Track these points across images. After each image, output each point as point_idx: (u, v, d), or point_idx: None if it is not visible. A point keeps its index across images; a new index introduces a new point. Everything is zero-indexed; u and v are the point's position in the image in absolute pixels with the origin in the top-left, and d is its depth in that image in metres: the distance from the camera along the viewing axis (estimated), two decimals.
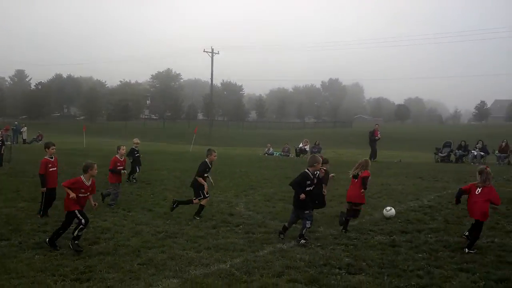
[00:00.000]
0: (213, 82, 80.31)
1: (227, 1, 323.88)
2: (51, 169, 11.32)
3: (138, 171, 17.66)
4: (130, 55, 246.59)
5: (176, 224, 10.74)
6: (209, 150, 12.05)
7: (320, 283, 7.01)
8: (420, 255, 8.57)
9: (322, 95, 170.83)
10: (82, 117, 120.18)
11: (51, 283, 6.81)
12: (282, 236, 9.67)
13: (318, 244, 9.24)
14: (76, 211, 8.64)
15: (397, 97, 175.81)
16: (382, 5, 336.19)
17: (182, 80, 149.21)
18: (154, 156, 28.35)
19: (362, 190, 10.50)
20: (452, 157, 30.27)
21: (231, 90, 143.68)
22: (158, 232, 9.94)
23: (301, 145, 34.81)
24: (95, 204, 9.13)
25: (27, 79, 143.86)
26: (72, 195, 8.64)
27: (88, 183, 8.92)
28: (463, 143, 30.47)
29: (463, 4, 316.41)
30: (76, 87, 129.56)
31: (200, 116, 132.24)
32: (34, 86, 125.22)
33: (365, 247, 9.06)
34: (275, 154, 35.36)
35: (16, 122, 50.30)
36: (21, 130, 46.09)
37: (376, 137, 29.67)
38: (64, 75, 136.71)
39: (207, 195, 11.67)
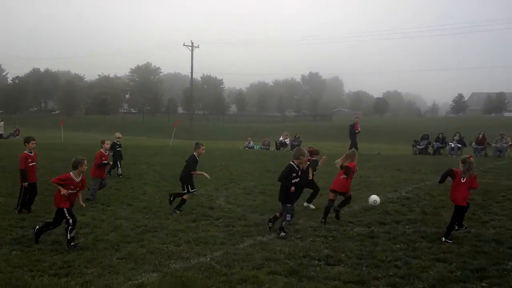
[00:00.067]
0: (193, 76, 79.89)
1: None
2: (30, 164, 11.20)
3: (119, 165, 17.53)
4: (109, 49, 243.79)
5: (155, 218, 10.71)
6: (197, 143, 12.04)
7: (300, 274, 7.06)
8: (398, 246, 8.69)
9: (302, 88, 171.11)
10: (57, 111, 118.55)
11: (28, 279, 6.74)
12: (270, 224, 9.73)
13: (298, 236, 9.30)
14: (65, 210, 8.47)
15: (376, 91, 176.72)
16: (359, 1, 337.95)
17: (161, 74, 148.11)
18: (133, 150, 28.14)
19: (343, 176, 10.69)
20: (430, 149, 30.66)
21: (211, 84, 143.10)
22: (138, 227, 9.90)
23: (281, 138, 34.91)
24: (82, 205, 9.03)
25: (3, 74, 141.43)
26: (64, 191, 8.51)
27: (77, 180, 8.76)
28: (440, 136, 30.88)
29: None
30: (54, 81, 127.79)
31: (180, 110, 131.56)
32: (11, 80, 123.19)
33: (344, 239, 9.14)
34: (255, 148, 35.41)
35: None
36: None
37: (356, 131, 29.97)
38: (42, 69, 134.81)
39: (192, 190, 11.65)
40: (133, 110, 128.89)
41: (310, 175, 11.93)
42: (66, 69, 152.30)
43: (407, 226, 10.18)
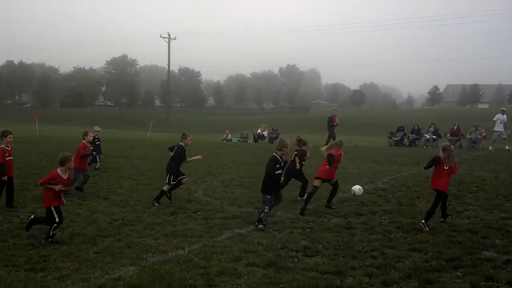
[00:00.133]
0: (170, 68, 79.35)
1: None
2: (8, 158, 11.05)
3: (99, 159, 17.35)
4: (84, 41, 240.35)
5: (133, 212, 10.65)
6: (183, 134, 11.98)
7: (278, 266, 7.12)
8: (374, 236, 8.80)
9: (280, 81, 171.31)
10: (29, 104, 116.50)
11: (4, 274, 6.66)
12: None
13: (276, 228, 9.36)
14: (53, 208, 8.34)
15: (352, 83, 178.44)
16: None
17: (138, 66, 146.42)
18: (110, 143, 27.85)
19: (327, 166, 10.95)
20: (406, 141, 31.00)
21: (189, 76, 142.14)
22: (115, 220, 9.84)
23: (259, 131, 34.95)
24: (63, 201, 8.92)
25: None
26: (58, 187, 8.37)
27: (65, 177, 8.59)
28: (416, 127, 31.23)
29: None
30: (28, 73, 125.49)
31: (157, 102, 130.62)
32: None
33: (321, 230, 9.23)
34: (233, 140, 35.38)
35: None
36: None
37: (335, 123, 30.19)
38: (16, 62, 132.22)
39: (172, 182, 11.62)
40: (109, 103, 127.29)
41: (298, 164, 12.00)
42: (40, 61, 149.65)
43: (383, 217, 10.32)
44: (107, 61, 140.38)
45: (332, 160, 10.95)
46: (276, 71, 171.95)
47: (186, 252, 7.78)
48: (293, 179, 12.53)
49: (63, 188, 8.47)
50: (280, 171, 9.73)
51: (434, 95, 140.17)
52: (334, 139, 28.69)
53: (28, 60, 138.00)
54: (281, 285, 6.37)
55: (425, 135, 30.11)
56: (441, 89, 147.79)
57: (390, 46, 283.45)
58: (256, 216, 9.72)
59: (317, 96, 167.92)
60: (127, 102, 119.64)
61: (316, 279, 6.60)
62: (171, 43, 72.55)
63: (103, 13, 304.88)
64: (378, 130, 46.56)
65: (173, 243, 8.28)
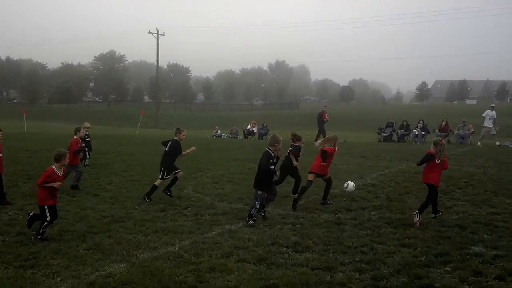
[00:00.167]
0: (159, 64, 78.91)
1: None
2: None
3: (88, 156, 17.25)
4: (72, 36, 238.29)
5: (122, 208, 10.61)
6: (178, 129, 11.97)
7: (268, 261, 7.13)
8: (364, 232, 8.85)
9: (269, 76, 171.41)
10: (15, 100, 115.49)
11: None
12: (262, 214, 9.82)
13: (266, 224, 9.37)
14: (46, 207, 8.25)
15: (342, 79, 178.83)
16: None
17: (126, 62, 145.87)
18: (99, 139, 27.70)
19: (322, 163, 11.02)
20: (394, 137, 31.17)
21: (178, 72, 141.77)
22: (104, 217, 9.80)
23: (249, 127, 34.94)
24: None
25: None
26: (57, 184, 8.32)
27: (60, 173, 8.51)
28: (404, 123, 31.40)
29: None
30: (16, 69, 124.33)
31: (146, 98, 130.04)
32: None
33: (311, 226, 9.26)
34: (223, 136, 35.34)
35: None
36: None
37: (325, 119, 30.36)
38: (3, 57, 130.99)
39: (166, 177, 11.65)
40: (97, 99, 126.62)
41: (294, 161, 12.00)
42: (28, 57, 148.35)
43: (372, 213, 10.38)
44: (95, 57, 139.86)
45: (326, 156, 11.02)
46: (265, 67, 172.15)
47: (177, 248, 7.77)
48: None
49: (61, 185, 8.41)
50: (273, 167, 9.75)
51: (423, 91, 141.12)
52: (324, 135, 28.79)
53: (15, 56, 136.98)
54: (271, 281, 6.39)
55: (413, 131, 30.28)
56: (430, 85, 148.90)
57: (379, 42, 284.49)
58: (247, 212, 9.73)
59: (307, 92, 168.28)
60: (115, 98, 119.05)
61: (307, 274, 6.62)
62: (159, 39, 72.15)
63: (91, 8, 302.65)
64: (367, 126, 46.77)
65: (163, 239, 8.27)
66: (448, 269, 6.87)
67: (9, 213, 10.04)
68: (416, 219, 9.30)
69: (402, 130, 30.98)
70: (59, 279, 6.42)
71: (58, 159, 8.49)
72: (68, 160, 8.76)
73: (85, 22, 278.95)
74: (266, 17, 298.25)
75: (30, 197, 11.43)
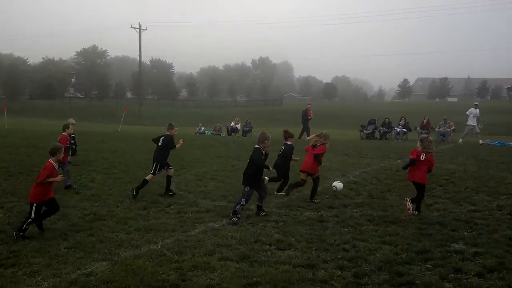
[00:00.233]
0: (142, 60, 78.41)
1: None
2: None
3: (71, 154, 17.03)
4: (53, 31, 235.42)
5: (104, 206, 10.54)
6: (170, 124, 12.24)
7: (251, 259, 7.15)
8: (346, 229, 8.91)
9: (253, 73, 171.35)
10: None
11: None
12: (263, 213, 9.83)
13: (249, 221, 9.39)
14: (35, 205, 8.18)
15: (324, 76, 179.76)
16: None
17: (109, 57, 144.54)
18: (81, 136, 27.43)
19: (320, 164, 11.41)
20: (377, 134, 31.41)
21: (161, 68, 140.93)
22: (86, 215, 9.73)
23: (232, 123, 34.91)
24: None
25: None
26: (59, 177, 8.31)
27: (57, 167, 8.49)
28: (386, 120, 31.65)
29: None
30: None
31: (129, 94, 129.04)
32: None
33: (294, 223, 9.30)
34: (206, 133, 35.26)
35: None
36: None
37: (309, 117, 30.50)
38: None
39: (158, 172, 11.75)
40: (79, 95, 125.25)
41: (295, 158, 12.18)
42: (8, 51, 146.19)
43: (354, 210, 10.45)
44: (77, 52, 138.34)
45: (319, 158, 11.31)
46: (249, 63, 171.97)
47: (159, 246, 7.75)
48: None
49: (63, 178, 8.35)
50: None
51: (404, 89, 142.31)
52: (308, 132, 28.89)
53: None
54: (254, 279, 6.41)
55: (395, 128, 30.54)
56: (411, 83, 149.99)
57: (362, 39, 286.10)
58: (232, 208, 9.74)
59: (290, 89, 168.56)
60: (98, 94, 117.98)
61: (289, 272, 6.65)
62: (142, 34, 71.68)
63: (72, 2, 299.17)
64: (350, 123, 47.03)
65: (146, 237, 8.24)
66: (428, 266, 6.95)
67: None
68: (409, 205, 9.70)
69: (384, 128, 31.23)
70: (40, 278, 6.38)
71: (54, 152, 8.44)
72: (62, 154, 8.71)
73: (66, 16, 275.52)
74: (250, 13, 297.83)
75: (11, 195, 11.32)
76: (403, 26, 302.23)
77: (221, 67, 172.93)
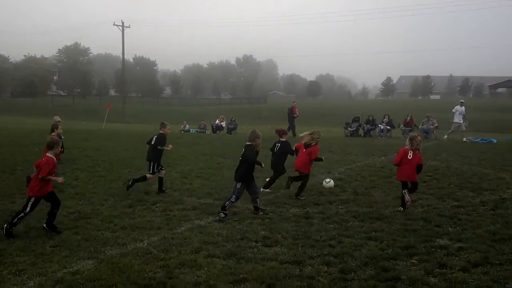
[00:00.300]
0: (125, 57, 77.82)
1: None
2: None
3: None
4: (35, 28, 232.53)
5: (89, 205, 10.46)
6: (162, 123, 12.30)
7: (238, 256, 7.15)
8: (331, 225, 8.96)
9: (237, 71, 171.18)
10: None
11: None
12: (261, 212, 9.78)
13: (236, 219, 9.39)
14: (32, 199, 8.12)
15: (309, 74, 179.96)
16: None
17: (91, 55, 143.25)
18: (64, 134, 27.18)
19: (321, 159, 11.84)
20: (361, 131, 31.61)
21: (144, 65, 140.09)
22: (71, 213, 9.64)
23: (217, 121, 34.88)
24: None
25: None
26: (60, 179, 8.28)
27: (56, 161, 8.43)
28: (370, 118, 31.86)
29: None
30: None
31: (112, 92, 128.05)
32: None
33: (280, 220, 9.32)
34: (191, 131, 35.17)
35: None
36: None
37: (295, 115, 30.64)
38: None
39: (157, 170, 11.81)
40: (62, 93, 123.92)
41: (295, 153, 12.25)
42: None
43: (340, 206, 10.51)
44: (59, 49, 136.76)
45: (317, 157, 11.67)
46: (233, 61, 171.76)
47: (145, 244, 7.71)
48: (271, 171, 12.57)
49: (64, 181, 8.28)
50: None
51: (388, 86, 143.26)
52: (294, 131, 28.98)
53: None
54: (241, 275, 6.41)
55: (379, 125, 30.75)
56: (395, 81, 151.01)
57: (345, 37, 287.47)
58: (215, 207, 9.73)
59: (274, 87, 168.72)
60: (80, 91, 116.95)
61: (276, 268, 6.67)
62: (125, 31, 71.10)
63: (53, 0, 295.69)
64: (334, 120, 47.25)
65: (132, 235, 8.20)
66: (414, 261, 7.01)
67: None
68: (407, 197, 9.89)
69: (368, 125, 31.44)
70: (25, 276, 6.31)
71: (51, 146, 8.37)
72: (59, 148, 8.65)
73: (47, 13, 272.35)
74: (234, 11, 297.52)
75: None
76: (386, 25, 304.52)
77: (205, 65, 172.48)
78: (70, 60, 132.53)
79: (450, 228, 8.73)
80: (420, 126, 30.19)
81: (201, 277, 6.36)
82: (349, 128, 31.90)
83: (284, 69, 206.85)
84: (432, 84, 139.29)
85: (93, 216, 9.44)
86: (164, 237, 8.10)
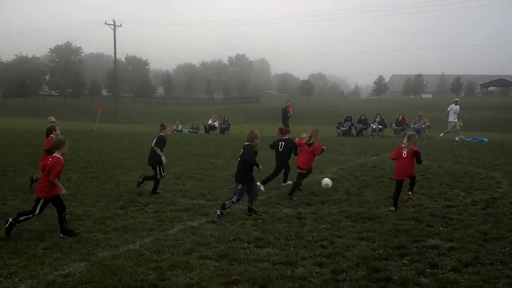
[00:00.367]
0: (117, 57, 77.55)
1: None
2: None
3: None
4: (25, 27, 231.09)
5: (81, 206, 10.43)
6: (162, 125, 12.33)
7: (230, 257, 7.16)
8: (324, 226, 8.99)
9: (230, 70, 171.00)
10: None
11: None
12: (254, 214, 9.78)
13: (228, 220, 9.40)
14: (43, 201, 8.12)
15: (301, 73, 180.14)
16: None
17: (83, 54, 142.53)
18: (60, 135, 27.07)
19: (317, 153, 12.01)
20: (353, 131, 31.67)
21: (137, 65, 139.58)
22: None
23: (210, 121, 34.83)
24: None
25: None
26: (63, 191, 8.22)
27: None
28: (363, 117, 31.93)
29: None
30: None
31: (104, 92, 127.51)
32: None
33: (272, 221, 9.33)
34: (184, 131, 35.12)
35: None
36: None
37: (289, 114, 30.70)
38: None
39: (164, 173, 11.91)
40: (54, 93, 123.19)
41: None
42: None
43: (332, 207, 10.54)
44: (50, 49, 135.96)
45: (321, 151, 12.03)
46: (225, 61, 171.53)
47: (137, 246, 7.70)
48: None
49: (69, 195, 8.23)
50: None
51: (380, 86, 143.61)
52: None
53: None
54: (233, 277, 6.42)
55: (371, 125, 30.83)
56: (387, 80, 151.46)
57: (337, 36, 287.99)
58: (208, 208, 9.73)
59: (267, 86, 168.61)
60: (72, 91, 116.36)
61: (268, 269, 6.68)
62: (117, 31, 70.82)
63: None
64: (327, 120, 47.28)
65: (124, 237, 8.18)
66: (405, 261, 7.05)
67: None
68: (412, 197, 10.54)
69: (360, 124, 31.50)
70: (17, 279, 6.29)
71: (58, 146, 8.39)
72: (66, 148, 8.63)
73: (38, 12, 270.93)
74: (225, 10, 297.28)
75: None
76: (378, 24, 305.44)
77: (197, 65, 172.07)
78: (61, 60, 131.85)
79: (441, 228, 8.78)
80: (412, 125, 30.29)
81: (193, 279, 6.36)
82: (342, 128, 31.95)
83: (276, 69, 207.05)
84: (424, 83, 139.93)
85: (85, 218, 9.42)
86: (157, 239, 8.09)
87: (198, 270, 6.67)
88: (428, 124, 30.10)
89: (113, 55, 74.65)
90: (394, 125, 31.07)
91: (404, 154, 10.24)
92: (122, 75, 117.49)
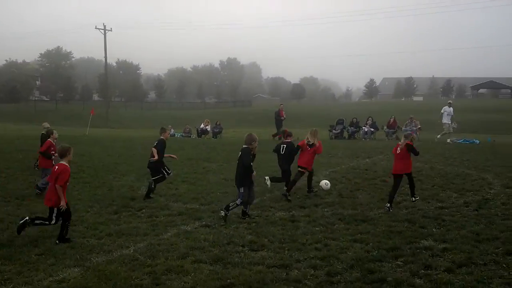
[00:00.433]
0: (108, 61, 77.29)
1: None
2: None
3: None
4: (15, 32, 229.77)
5: (74, 212, 10.30)
6: (162, 128, 12.56)
7: (225, 261, 7.17)
8: (317, 228, 9.01)
9: (221, 74, 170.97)
10: None
11: None
12: (247, 217, 9.81)
13: (222, 223, 9.40)
14: (56, 210, 8.07)
15: (293, 77, 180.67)
16: None
17: (73, 59, 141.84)
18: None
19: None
20: (345, 134, 31.73)
21: (128, 69, 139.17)
22: None
23: (202, 125, 34.76)
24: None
25: None
26: (62, 203, 8.07)
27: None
28: (354, 120, 32.00)
29: None
30: None
31: (95, 97, 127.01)
32: None
33: (266, 224, 9.35)
34: (176, 135, 35.05)
35: None
36: None
37: (282, 117, 30.71)
38: None
39: (169, 172, 12.19)
40: (44, 98, 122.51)
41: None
42: None
43: (325, 209, 10.57)
44: (40, 53, 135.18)
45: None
46: (216, 65, 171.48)
47: (132, 251, 7.69)
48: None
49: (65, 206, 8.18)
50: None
51: (371, 88, 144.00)
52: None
53: None
54: (228, 281, 6.43)
55: (363, 127, 30.92)
56: (378, 82, 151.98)
57: (328, 40, 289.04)
58: (202, 212, 9.72)
59: (259, 90, 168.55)
60: (63, 96, 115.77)
61: (263, 273, 6.70)
62: (107, 35, 70.58)
63: (34, 3, 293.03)
64: (319, 123, 47.28)
65: (118, 242, 8.16)
66: (399, 263, 7.09)
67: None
68: (414, 198, 10.77)
69: (352, 127, 31.58)
70: (11, 286, 6.26)
71: (64, 154, 8.35)
72: (71, 156, 8.56)
73: (28, 17, 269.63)
74: (216, 14, 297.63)
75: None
76: (368, 28, 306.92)
77: (189, 69, 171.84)
78: (52, 65, 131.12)
79: (434, 229, 8.84)
80: (403, 128, 30.36)
81: (188, 283, 6.37)
82: (334, 131, 32.00)
83: (268, 72, 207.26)
84: (415, 86, 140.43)
85: (78, 223, 9.38)
86: (151, 243, 8.08)
87: (192, 274, 6.67)
88: (419, 126, 30.19)
89: (103, 59, 74.36)
90: (385, 127, 31.16)
91: (398, 151, 10.55)
92: (113, 79, 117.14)
